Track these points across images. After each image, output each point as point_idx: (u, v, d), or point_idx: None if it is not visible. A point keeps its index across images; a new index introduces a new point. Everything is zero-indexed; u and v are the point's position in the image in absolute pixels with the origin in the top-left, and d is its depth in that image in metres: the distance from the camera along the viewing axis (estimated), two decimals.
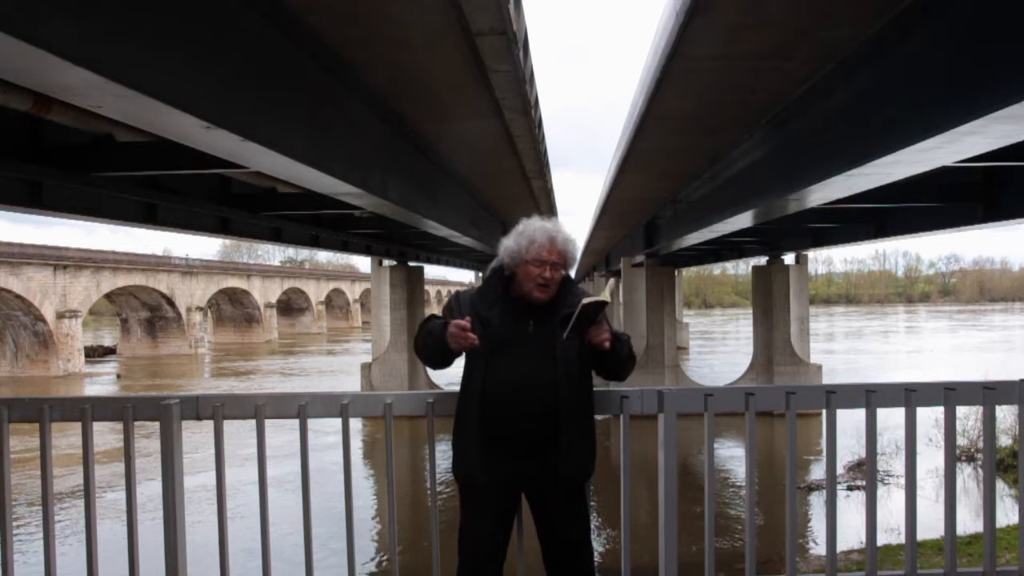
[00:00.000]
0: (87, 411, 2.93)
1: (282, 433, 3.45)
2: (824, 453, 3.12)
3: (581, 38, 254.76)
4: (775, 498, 3.54)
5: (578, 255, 2.95)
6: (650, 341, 23.34)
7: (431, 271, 46.79)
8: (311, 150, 5.98)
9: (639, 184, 13.88)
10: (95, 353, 43.66)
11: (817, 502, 12.73)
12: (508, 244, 2.91)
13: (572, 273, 3.05)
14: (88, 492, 2.96)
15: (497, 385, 2.80)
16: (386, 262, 25.63)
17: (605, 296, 2.79)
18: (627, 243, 25.65)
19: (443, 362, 2.90)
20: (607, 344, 2.81)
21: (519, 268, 2.88)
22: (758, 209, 9.30)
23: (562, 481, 2.84)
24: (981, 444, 9.28)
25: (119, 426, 2.98)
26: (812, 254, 26.97)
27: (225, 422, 2.98)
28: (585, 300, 2.76)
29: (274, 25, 5.11)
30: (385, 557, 10.69)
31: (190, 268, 47.23)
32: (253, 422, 2.98)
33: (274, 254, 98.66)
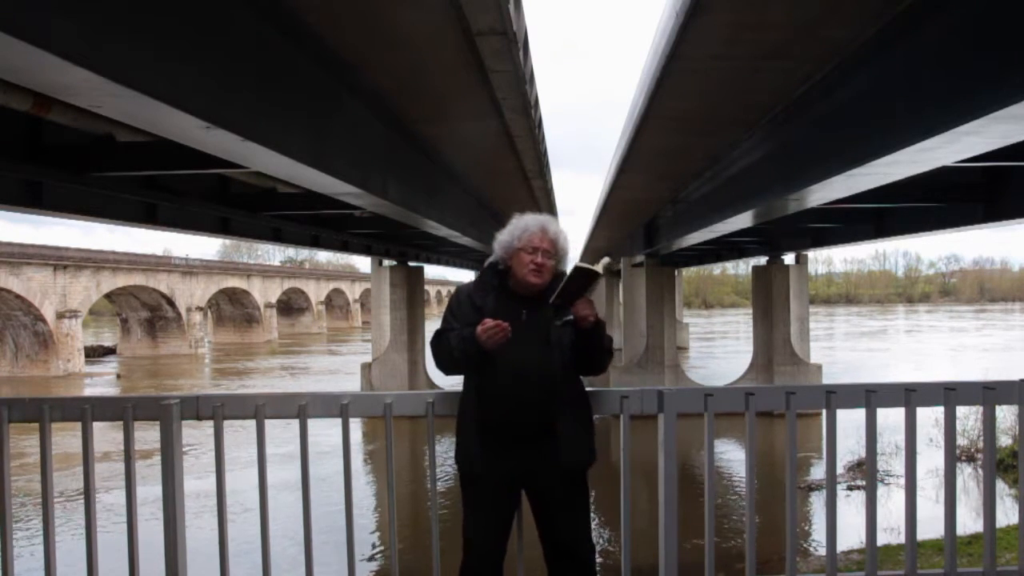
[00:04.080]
0: (87, 411, 2.93)
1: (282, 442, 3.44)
2: (824, 453, 3.12)
3: (580, 36, 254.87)
4: (775, 498, 3.53)
5: (569, 248, 3.01)
6: (650, 341, 23.33)
7: (431, 271, 46.80)
8: (311, 150, 5.98)
9: (639, 184, 13.88)
10: (95, 353, 43.63)
11: (817, 502, 12.73)
12: (501, 237, 3.01)
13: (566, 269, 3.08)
14: (88, 492, 2.96)
15: (494, 375, 2.84)
16: (386, 262, 25.63)
17: (598, 268, 2.81)
18: (627, 243, 25.65)
19: (478, 366, 2.89)
20: (591, 318, 2.85)
21: (513, 257, 2.96)
22: (758, 209, 9.30)
23: (562, 470, 2.86)
24: (981, 444, 9.28)
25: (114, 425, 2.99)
26: (812, 254, 26.96)
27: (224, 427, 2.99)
28: (578, 263, 2.81)
29: (274, 25, 5.10)
30: (385, 555, 10.69)
31: (190, 268, 47.20)
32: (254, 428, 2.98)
33: (274, 254, 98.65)
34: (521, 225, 2.97)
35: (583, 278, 2.81)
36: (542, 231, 2.94)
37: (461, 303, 2.99)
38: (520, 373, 2.83)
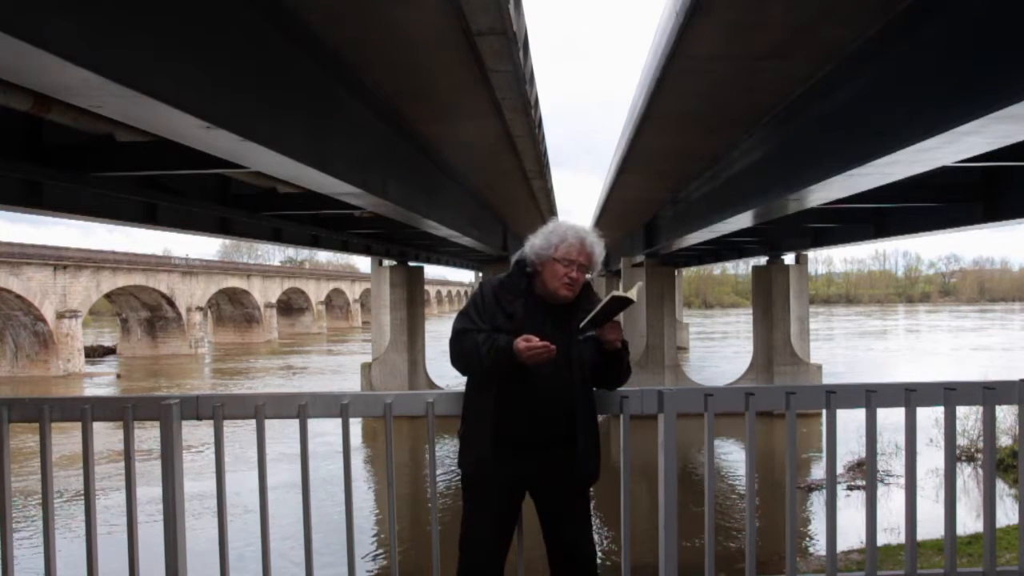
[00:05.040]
0: (87, 411, 2.93)
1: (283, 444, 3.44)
2: (824, 453, 3.12)
3: (579, 35, 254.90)
4: (775, 498, 3.54)
5: (601, 261, 2.95)
6: (650, 341, 23.33)
7: (431, 271, 46.84)
8: (311, 150, 5.98)
9: (639, 184, 13.88)
10: (95, 353, 43.62)
11: (817, 502, 12.73)
12: (536, 242, 2.91)
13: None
14: (88, 492, 2.96)
15: (514, 385, 2.81)
16: (386, 262, 25.62)
17: (632, 295, 2.78)
18: (627, 243, 25.65)
19: (504, 375, 2.82)
20: (618, 343, 2.85)
21: (545, 265, 2.88)
22: (758, 209, 9.30)
23: (575, 483, 2.88)
24: (981, 444, 9.28)
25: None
26: (812, 254, 26.96)
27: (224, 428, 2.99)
28: (615, 292, 2.77)
29: (274, 25, 5.10)
30: (386, 556, 10.69)
31: (190, 268, 47.19)
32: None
33: (274, 254, 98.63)
34: (559, 233, 2.88)
35: (617, 305, 2.77)
36: (581, 243, 2.86)
37: (487, 302, 2.90)
38: (541, 386, 2.80)
